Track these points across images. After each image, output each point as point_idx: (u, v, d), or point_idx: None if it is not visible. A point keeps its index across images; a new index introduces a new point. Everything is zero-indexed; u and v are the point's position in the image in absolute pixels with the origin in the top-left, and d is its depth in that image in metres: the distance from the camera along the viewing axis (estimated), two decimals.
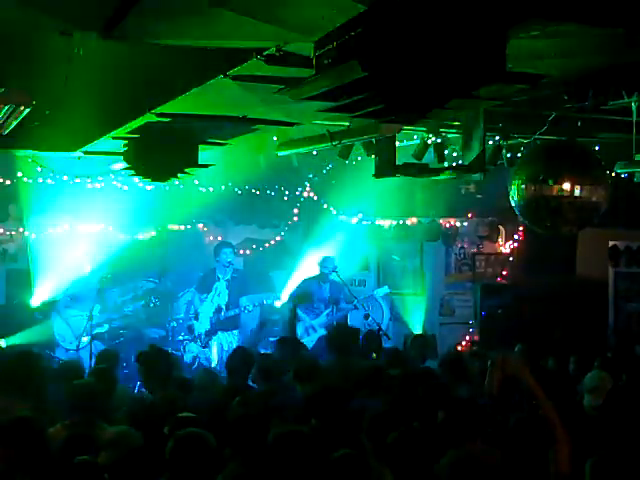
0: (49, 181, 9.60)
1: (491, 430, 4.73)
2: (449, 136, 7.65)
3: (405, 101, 3.28)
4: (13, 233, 10.39)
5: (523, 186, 6.15)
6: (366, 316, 9.95)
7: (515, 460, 4.17)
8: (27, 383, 5.62)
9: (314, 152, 8.92)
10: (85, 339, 9.07)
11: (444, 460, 4.03)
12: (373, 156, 7.59)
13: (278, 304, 10.80)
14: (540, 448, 4.24)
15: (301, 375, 6.13)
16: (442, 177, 7.79)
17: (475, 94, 3.34)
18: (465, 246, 11.50)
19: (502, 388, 4.10)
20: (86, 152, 7.44)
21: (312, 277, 10.28)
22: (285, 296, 10.56)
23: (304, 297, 10.16)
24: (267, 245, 11.67)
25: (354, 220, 11.61)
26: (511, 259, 11.55)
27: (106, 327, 9.51)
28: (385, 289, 10.61)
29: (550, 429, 3.96)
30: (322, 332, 9.90)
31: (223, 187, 10.89)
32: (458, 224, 11.41)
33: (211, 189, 10.75)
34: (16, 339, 9.30)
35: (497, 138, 7.55)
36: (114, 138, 6.71)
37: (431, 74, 3.11)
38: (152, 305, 10.09)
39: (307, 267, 10.68)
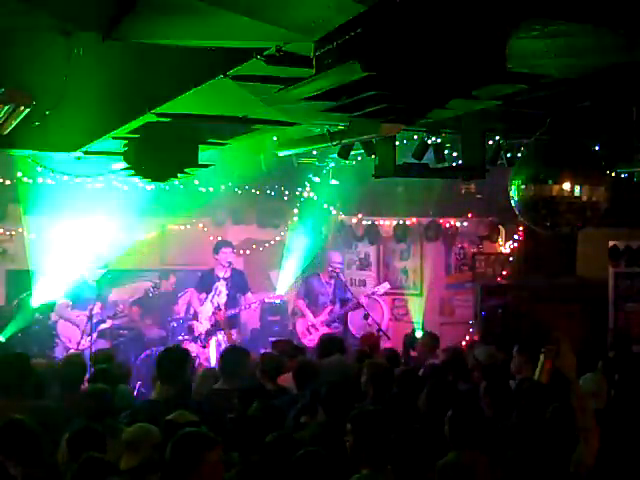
0: (49, 181, 9.60)
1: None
2: (449, 136, 7.64)
3: (405, 101, 3.28)
4: (13, 233, 10.40)
5: (523, 186, 6.15)
6: (366, 316, 9.96)
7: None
8: (25, 385, 5.61)
9: (314, 152, 8.91)
10: (87, 338, 9.06)
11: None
12: (373, 156, 7.59)
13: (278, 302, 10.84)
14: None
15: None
16: (442, 177, 7.80)
17: (475, 94, 3.34)
18: (465, 246, 11.49)
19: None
20: (86, 152, 7.43)
21: (316, 274, 10.31)
22: (287, 294, 10.58)
23: (308, 295, 10.17)
24: (267, 245, 11.68)
25: (354, 220, 11.63)
26: (511, 259, 11.54)
27: (108, 324, 9.52)
28: (386, 285, 10.63)
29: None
30: (324, 330, 9.92)
31: (223, 187, 10.90)
32: (458, 224, 11.40)
33: (211, 189, 10.76)
34: (16, 339, 9.29)
35: (497, 138, 7.54)
36: (114, 138, 6.70)
37: (431, 74, 3.11)
38: (151, 295, 10.10)
39: (310, 266, 10.72)
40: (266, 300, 10.42)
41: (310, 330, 10.02)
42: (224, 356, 6.74)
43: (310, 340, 9.78)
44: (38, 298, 10.00)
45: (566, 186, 5.93)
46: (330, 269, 10.12)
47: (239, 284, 9.87)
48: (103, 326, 9.46)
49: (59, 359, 8.67)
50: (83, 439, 4.50)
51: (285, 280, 10.92)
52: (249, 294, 9.84)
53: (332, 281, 10.19)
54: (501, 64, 3.21)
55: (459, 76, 3.15)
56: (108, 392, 5.43)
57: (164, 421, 4.72)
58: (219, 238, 10.83)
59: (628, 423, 4.99)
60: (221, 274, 9.80)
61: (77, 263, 9.90)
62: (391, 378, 6.03)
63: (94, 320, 9.11)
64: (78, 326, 9.27)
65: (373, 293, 10.42)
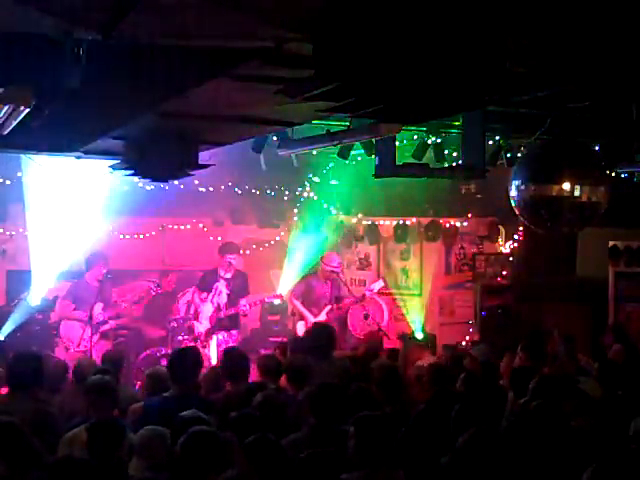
0: (50, 181, 9.60)
1: None
2: (449, 136, 7.65)
3: (405, 102, 3.28)
4: (13, 233, 10.40)
5: (523, 186, 6.16)
6: (366, 316, 9.96)
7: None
8: (27, 384, 5.62)
9: (314, 152, 8.92)
10: (87, 339, 9.05)
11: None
12: (373, 156, 7.60)
13: (278, 302, 10.82)
14: None
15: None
16: (442, 177, 7.81)
17: (475, 96, 3.34)
18: (465, 246, 11.49)
19: None
20: (86, 152, 7.43)
21: (313, 274, 10.29)
22: (286, 294, 10.57)
23: (307, 294, 10.15)
24: (267, 245, 11.68)
25: (354, 220, 11.63)
26: (511, 259, 11.55)
27: (111, 325, 9.52)
28: (380, 283, 10.62)
29: None
30: None
31: (223, 187, 10.90)
32: (458, 224, 11.40)
33: (211, 189, 10.76)
34: (16, 339, 9.28)
35: (497, 138, 7.55)
36: (114, 138, 6.70)
37: (431, 77, 3.11)
38: (154, 294, 10.10)
39: (307, 265, 10.71)
40: (266, 300, 10.40)
41: None
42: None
43: None
44: (38, 298, 10.00)
45: (566, 186, 5.94)
46: (328, 269, 10.07)
47: (240, 287, 9.84)
48: (105, 328, 9.44)
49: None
50: (103, 430, 4.50)
51: (286, 280, 10.91)
52: (243, 300, 9.79)
53: (329, 282, 10.16)
54: (501, 66, 3.21)
55: (460, 80, 3.15)
56: (112, 384, 5.45)
57: (177, 419, 4.72)
58: (219, 238, 10.82)
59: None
60: (222, 273, 9.78)
61: (78, 263, 9.90)
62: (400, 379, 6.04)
63: (96, 321, 9.11)
64: (81, 327, 9.25)
65: (369, 291, 10.40)
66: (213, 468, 4.09)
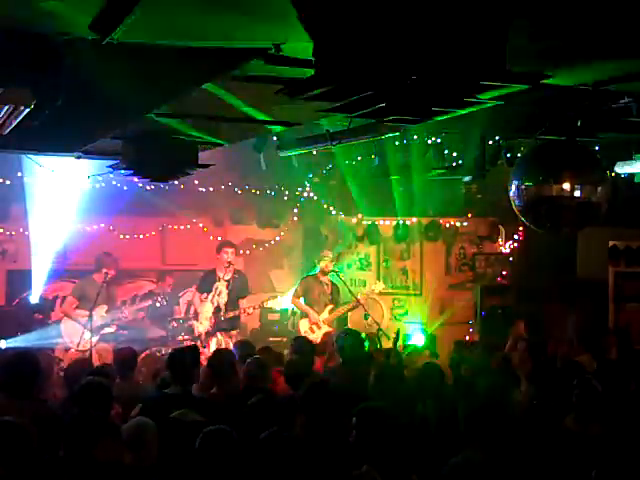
0: (50, 181, 9.60)
1: None
2: (449, 136, 7.65)
3: (405, 102, 3.28)
4: (13, 233, 10.40)
5: (523, 186, 6.15)
6: (366, 316, 9.96)
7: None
8: (28, 384, 5.61)
9: (314, 152, 8.92)
10: (87, 339, 9.04)
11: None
12: (373, 156, 7.61)
13: (278, 304, 10.83)
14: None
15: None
16: (441, 177, 7.81)
17: (475, 95, 3.34)
18: (465, 246, 11.50)
19: None
20: (86, 152, 7.43)
21: (313, 274, 10.32)
22: (286, 295, 10.57)
23: (307, 293, 10.16)
24: (267, 245, 11.69)
25: (354, 220, 11.63)
26: (511, 259, 11.55)
27: (113, 328, 9.51)
28: (381, 284, 10.64)
29: None
30: (326, 328, 9.92)
31: (223, 187, 10.91)
32: (458, 224, 11.41)
33: (211, 189, 10.77)
34: (16, 340, 9.29)
35: (497, 138, 7.55)
36: (114, 138, 6.70)
37: (431, 74, 3.11)
38: (159, 305, 10.10)
39: (307, 265, 10.74)
40: (264, 305, 10.39)
41: (313, 328, 10.01)
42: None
43: (314, 339, 9.79)
44: (38, 298, 10.01)
45: (566, 186, 5.93)
46: (326, 267, 10.10)
47: (240, 287, 9.84)
48: (108, 330, 9.43)
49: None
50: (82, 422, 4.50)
51: (286, 282, 10.94)
52: (244, 300, 9.78)
53: (329, 281, 10.19)
54: (501, 64, 3.21)
55: (459, 77, 3.15)
56: (106, 384, 5.44)
57: (169, 418, 4.73)
58: (219, 238, 10.83)
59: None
60: (222, 274, 9.78)
61: (77, 263, 9.91)
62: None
63: (99, 323, 9.10)
64: (82, 326, 9.25)
65: (370, 292, 10.42)
66: (229, 467, 4.12)
